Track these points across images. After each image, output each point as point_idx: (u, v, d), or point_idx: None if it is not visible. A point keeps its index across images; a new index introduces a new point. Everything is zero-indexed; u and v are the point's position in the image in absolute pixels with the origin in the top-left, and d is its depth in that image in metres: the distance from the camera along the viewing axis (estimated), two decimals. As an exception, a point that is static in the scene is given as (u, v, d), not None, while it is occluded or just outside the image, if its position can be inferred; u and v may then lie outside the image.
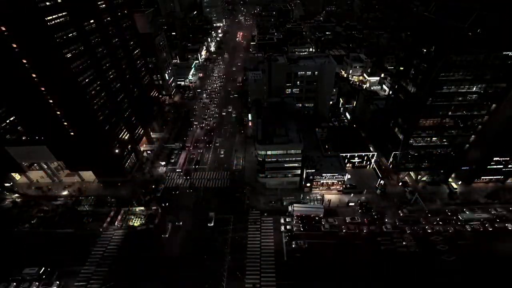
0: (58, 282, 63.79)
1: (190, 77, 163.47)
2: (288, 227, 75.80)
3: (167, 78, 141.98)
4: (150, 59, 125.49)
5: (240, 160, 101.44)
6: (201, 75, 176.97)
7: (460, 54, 64.21)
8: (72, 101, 72.69)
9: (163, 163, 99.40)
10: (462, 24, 60.96)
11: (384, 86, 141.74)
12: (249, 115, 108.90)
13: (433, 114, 74.72)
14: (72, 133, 78.31)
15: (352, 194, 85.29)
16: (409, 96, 79.75)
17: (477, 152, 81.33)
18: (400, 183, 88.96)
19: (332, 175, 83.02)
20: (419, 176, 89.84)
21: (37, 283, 63.57)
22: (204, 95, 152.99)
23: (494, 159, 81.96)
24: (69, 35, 67.13)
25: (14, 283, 63.93)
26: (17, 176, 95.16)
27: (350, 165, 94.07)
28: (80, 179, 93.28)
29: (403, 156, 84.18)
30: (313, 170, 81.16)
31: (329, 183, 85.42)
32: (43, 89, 69.74)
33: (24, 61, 64.88)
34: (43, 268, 65.82)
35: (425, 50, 72.23)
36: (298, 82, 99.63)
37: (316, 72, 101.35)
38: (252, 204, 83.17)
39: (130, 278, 64.42)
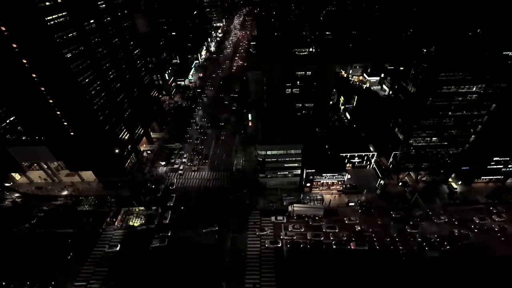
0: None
1: (190, 77, 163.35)
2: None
3: (167, 78, 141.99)
4: (150, 59, 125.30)
5: (240, 160, 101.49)
6: (201, 75, 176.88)
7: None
8: (72, 101, 72.65)
9: (163, 163, 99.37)
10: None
11: (384, 86, 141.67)
12: (249, 115, 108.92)
13: (433, 114, 74.76)
14: (72, 133, 78.31)
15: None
16: (409, 96, 79.70)
17: (477, 152, 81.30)
18: (400, 183, 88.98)
19: (332, 175, 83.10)
20: (419, 176, 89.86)
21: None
22: (204, 95, 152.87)
23: (494, 159, 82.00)
24: (69, 35, 67.11)
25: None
26: (17, 176, 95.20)
27: (350, 165, 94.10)
28: (80, 179, 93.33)
29: (403, 156, 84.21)
30: (313, 170, 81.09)
31: (329, 183, 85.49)
32: (43, 89, 69.74)
33: (24, 61, 64.85)
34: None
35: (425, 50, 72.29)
36: (298, 82, 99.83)
37: (316, 72, 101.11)
38: (252, 204, 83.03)
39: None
